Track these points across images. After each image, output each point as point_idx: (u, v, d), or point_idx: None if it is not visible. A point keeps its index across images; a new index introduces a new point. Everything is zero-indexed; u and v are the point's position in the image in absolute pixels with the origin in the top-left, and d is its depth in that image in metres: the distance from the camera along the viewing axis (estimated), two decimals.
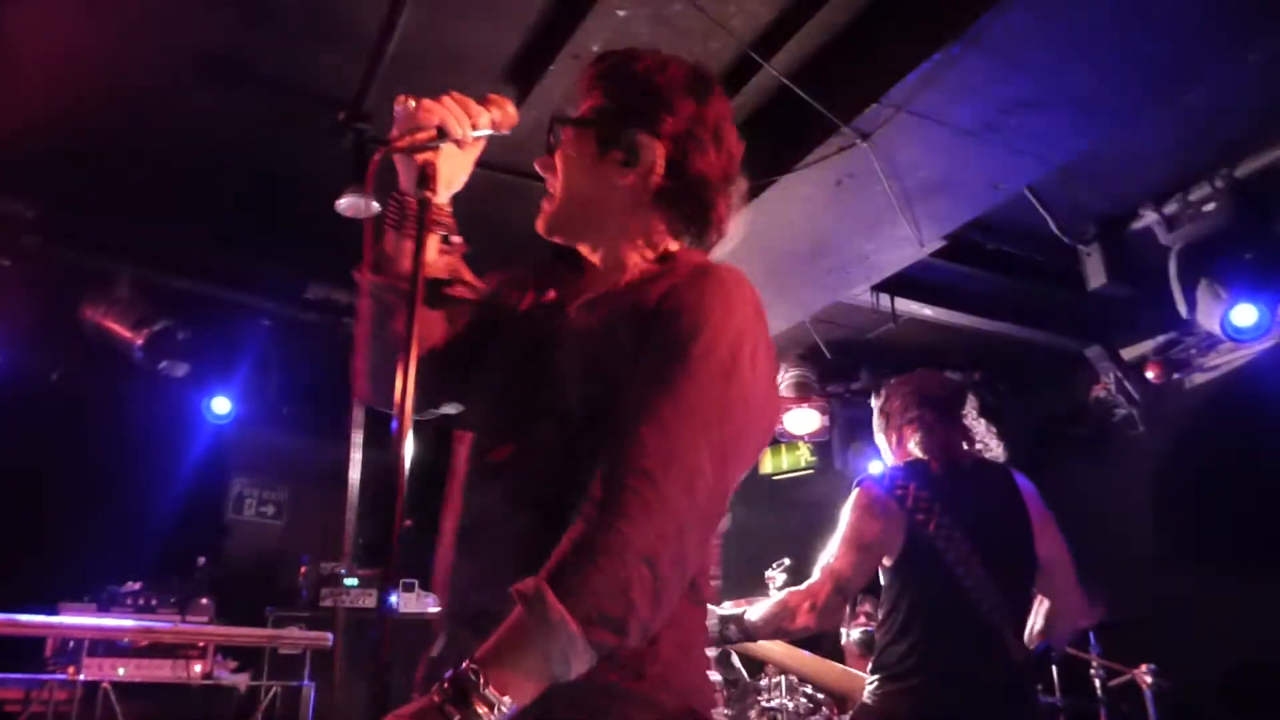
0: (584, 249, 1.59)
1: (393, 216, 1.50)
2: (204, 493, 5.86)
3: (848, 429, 6.28)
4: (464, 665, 1.10)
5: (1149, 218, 4.49)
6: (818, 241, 4.40)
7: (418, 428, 1.45)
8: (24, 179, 4.51)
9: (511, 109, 1.50)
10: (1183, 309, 4.46)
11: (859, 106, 3.53)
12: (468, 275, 1.61)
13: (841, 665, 3.60)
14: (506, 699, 1.08)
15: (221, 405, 5.59)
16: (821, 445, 6.20)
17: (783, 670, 3.67)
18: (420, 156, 1.40)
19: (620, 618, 1.13)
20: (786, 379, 5.87)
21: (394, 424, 1.22)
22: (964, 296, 5.31)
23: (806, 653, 3.53)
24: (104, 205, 4.67)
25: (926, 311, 5.34)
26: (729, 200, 1.56)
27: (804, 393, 5.88)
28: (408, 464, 1.22)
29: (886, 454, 2.93)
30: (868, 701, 2.61)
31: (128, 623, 3.92)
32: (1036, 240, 4.77)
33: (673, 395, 1.25)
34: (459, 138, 1.41)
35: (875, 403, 3.00)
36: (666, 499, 1.18)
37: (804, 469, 6.08)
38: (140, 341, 4.79)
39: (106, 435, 5.28)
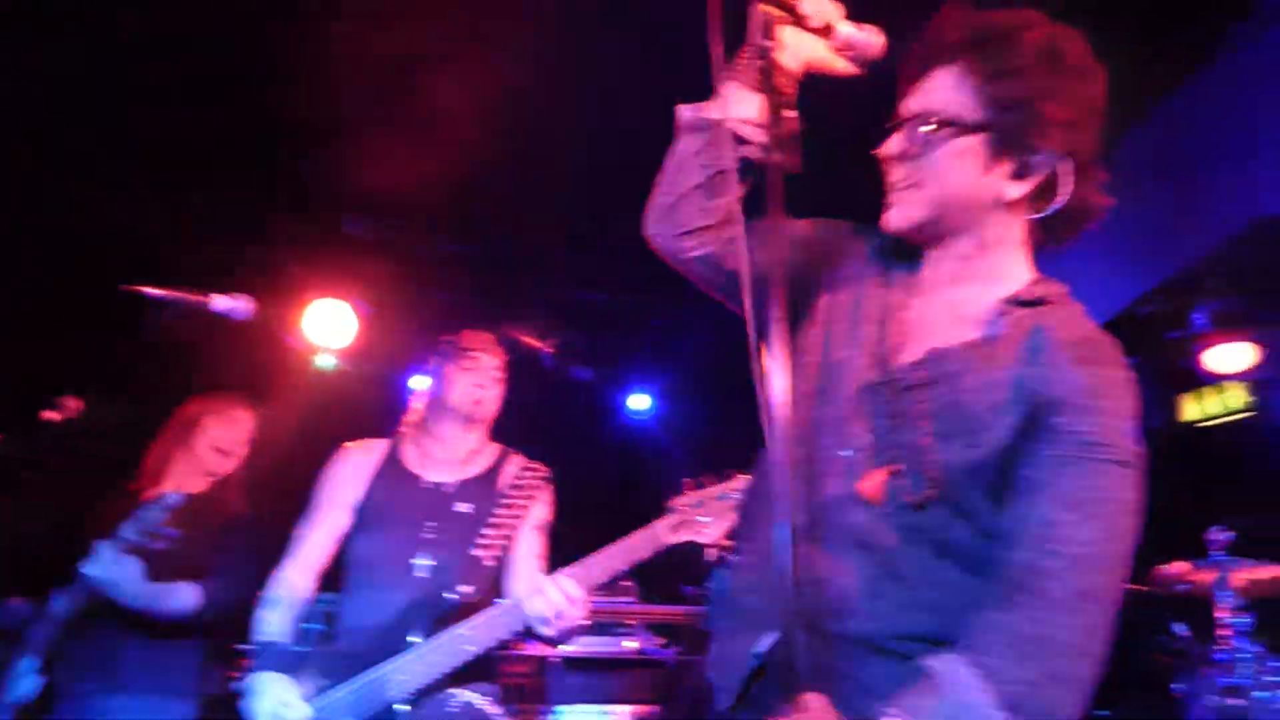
0: (936, 248, 1.51)
1: (737, 62, 1.53)
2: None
3: None
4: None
5: None
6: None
7: None
8: (457, 223, 5.28)
9: (878, 40, 1.47)
10: None
11: None
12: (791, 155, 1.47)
13: None
14: None
15: (640, 401, 6.12)
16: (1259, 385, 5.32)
17: None
18: (769, 10, 1.41)
19: (1048, 712, 1.20)
20: (1209, 310, 5.14)
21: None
22: None
23: None
24: (512, 235, 5.32)
25: None
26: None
27: (1231, 324, 5.12)
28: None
29: None
30: None
31: None
32: None
33: (1091, 489, 1.28)
34: (804, 13, 1.42)
35: None
36: (1098, 595, 1.24)
37: (1238, 413, 5.25)
38: (550, 351, 5.42)
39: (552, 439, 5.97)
